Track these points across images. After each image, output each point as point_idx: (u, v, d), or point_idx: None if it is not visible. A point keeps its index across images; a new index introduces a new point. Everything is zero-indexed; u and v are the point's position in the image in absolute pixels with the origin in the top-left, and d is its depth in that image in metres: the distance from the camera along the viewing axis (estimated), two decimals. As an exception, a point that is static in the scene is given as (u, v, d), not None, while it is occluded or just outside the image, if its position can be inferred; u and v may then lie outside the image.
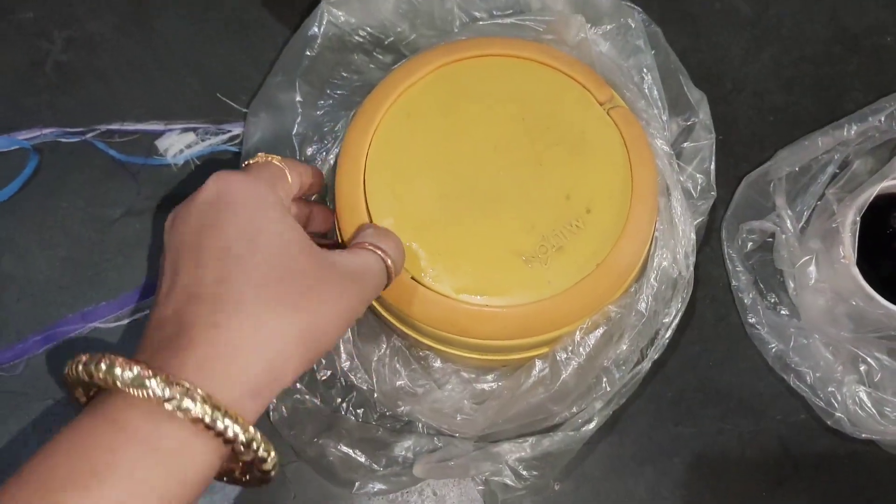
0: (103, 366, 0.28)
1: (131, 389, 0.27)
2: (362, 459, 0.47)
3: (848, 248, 0.47)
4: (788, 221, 0.51)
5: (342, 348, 0.45)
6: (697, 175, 0.51)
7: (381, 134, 0.45)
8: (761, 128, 0.57)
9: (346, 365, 0.46)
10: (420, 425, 0.49)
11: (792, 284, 0.51)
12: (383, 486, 0.48)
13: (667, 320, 0.47)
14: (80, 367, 0.28)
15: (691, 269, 0.47)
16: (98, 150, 0.55)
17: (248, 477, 0.32)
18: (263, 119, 0.54)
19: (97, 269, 0.53)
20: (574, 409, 0.46)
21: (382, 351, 0.47)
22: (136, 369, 0.27)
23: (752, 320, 0.51)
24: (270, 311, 0.30)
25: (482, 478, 0.48)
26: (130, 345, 0.51)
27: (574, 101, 0.46)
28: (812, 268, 0.50)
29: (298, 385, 0.48)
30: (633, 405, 0.50)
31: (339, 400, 0.49)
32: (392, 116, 0.45)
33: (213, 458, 0.28)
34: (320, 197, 0.49)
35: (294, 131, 0.52)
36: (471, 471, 0.47)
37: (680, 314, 0.47)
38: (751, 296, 0.51)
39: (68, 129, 0.56)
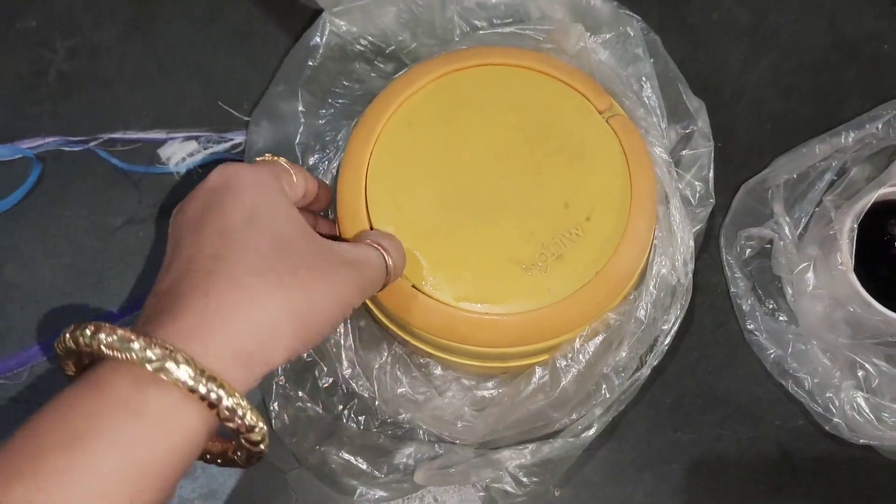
0: (88, 332, 0.28)
1: (115, 352, 0.27)
2: (364, 466, 0.48)
3: (845, 255, 0.48)
4: (786, 228, 0.51)
5: (343, 356, 0.46)
6: (696, 182, 0.51)
7: (382, 143, 0.45)
8: (760, 135, 0.57)
9: (347, 372, 0.46)
10: (421, 432, 0.49)
11: (790, 291, 0.51)
12: (384, 494, 0.48)
13: (666, 327, 0.47)
14: (68, 336, 0.28)
15: (690, 276, 0.47)
16: (101, 158, 0.56)
17: (239, 454, 0.31)
18: (265, 128, 0.54)
19: (100, 277, 0.53)
20: (574, 416, 0.46)
21: (384, 359, 0.47)
22: (119, 332, 0.27)
23: (751, 326, 0.51)
24: (263, 283, 0.30)
25: (483, 484, 0.48)
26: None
27: (573, 110, 0.46)
28: (810, 274, 0.50)
29: (301, 393, 0.48)
30: (633, 411, 0.50)
31: (341, 407, 0.49)
32: (393, 125, 0.46)
33: (200, 426, 0.28)
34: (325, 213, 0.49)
35: (296, 140, 0.53)
36: (471, 477, 0.47)
37: (679, 321, 0.47)
38: (749, 302, 0.52)
39: (71, 138, 0.56)
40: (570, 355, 0.44)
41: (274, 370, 0.31)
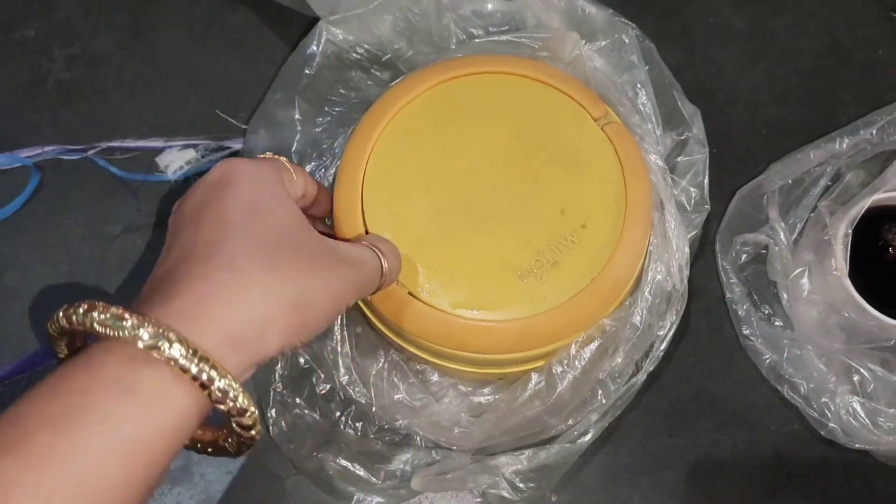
0: (81, 310, 0.28)
1: (107, 330, 0.27)
2: (361, 473, 0.48)
3: (840, 260, 0.48)
4: (781, 234, 0.52)
5: (341, 363, 0.46)
6: (691, 189, 0.52)
7: (378, 151, 0.46)
8: (755, 141, 0.57)
9: (344, 379, 0.46)
10: (418, 438, 0.49)
11: (785, 296, 0.52)
12: (382, 500, 0.48)
13: (661, 333, 0.47)
14: (61, 314, 0.28)
15: (685, 281, 0.47)
16: (99, 167, 0.56)
17: (230, 440, 0.31)
18: (263, 136, 0.54)
19: (98, 285, 0.54)
20: (570, 422, 0.46)
21: (380, 365, 0.47)
22: (112, 310, 0.27)
23: (746, 332, 0.51)
24: (259, 270, 0.31)
25: (480, 490, 0.49)
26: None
27: (569, 118, 0.47)
28: (805, 279, 0.50)
29: (298, 399, 0.48)
30: (629, 417, 0.50)
31: (338, 414, 0.49)
32: (389, 133, 0.46)
33: (192, 406, 0.28)
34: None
35: (293, 148, 0.53)
36: (468, 483, 0.47)
37: (674, 326, 0.47)
38: (745, 307, 0.52)
39: (69, 147, 0.57)
40: (566, 361, 0.44)
41: (267, 359, 0.30)
